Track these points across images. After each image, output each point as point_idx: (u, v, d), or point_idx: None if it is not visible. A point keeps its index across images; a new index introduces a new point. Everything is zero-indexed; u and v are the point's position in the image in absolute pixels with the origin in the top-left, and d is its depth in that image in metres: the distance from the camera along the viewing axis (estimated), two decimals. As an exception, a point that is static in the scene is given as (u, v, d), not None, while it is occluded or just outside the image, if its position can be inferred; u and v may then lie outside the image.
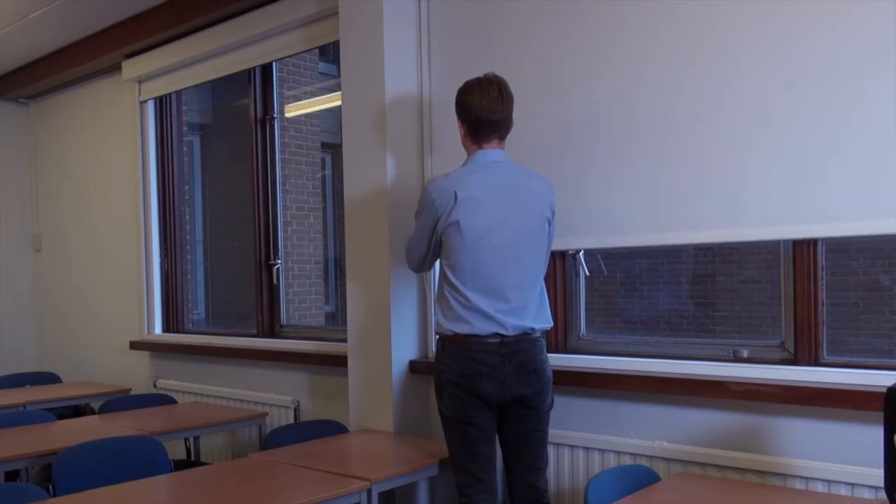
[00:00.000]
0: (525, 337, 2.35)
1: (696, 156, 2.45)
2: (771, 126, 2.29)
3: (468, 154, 2.48)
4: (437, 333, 2.45)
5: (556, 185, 2.54)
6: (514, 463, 2.41)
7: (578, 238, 2.73)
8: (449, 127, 3.07)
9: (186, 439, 3.74)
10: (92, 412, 4.11)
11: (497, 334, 2.32)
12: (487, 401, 2.33)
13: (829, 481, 2.17)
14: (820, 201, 2.21)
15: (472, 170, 2.41)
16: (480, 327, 2.32)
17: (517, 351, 2.34)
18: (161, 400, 3.93)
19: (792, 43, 2.25)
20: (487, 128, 2.41)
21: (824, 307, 2.27)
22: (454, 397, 2.35)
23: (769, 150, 2.29)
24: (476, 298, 2.34)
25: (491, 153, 2.44)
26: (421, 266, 2.61)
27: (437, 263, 2.61)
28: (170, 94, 4.70)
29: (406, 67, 3.12)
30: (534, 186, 2.44)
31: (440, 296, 2.44)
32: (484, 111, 2.39)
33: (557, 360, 2.74)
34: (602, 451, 2.63)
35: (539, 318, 2.40)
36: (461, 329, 2.34)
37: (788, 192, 2.26)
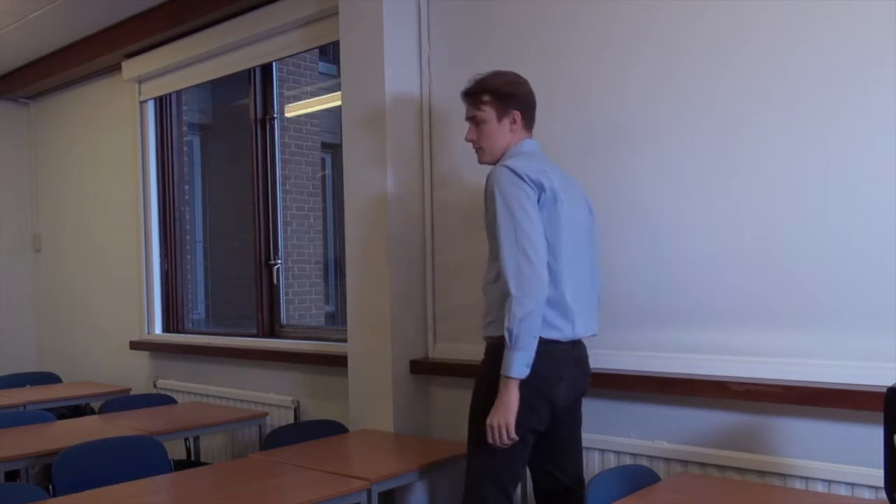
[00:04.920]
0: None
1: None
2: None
3: (507, 145, 2.31)
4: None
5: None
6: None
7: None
8: (449, 127, 3.08)
9: (186, 439, 3.73)
10: (92, 412, 4.11)
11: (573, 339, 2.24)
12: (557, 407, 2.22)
13: (829, 481, 2.17)
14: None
15: (536, 157, 2.27)
16: (569, 331, 2.20)
17: (584, 354, 2.33)
18: (161, 400, 3.92)
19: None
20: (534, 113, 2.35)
21: None
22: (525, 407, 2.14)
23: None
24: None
25: (535, 142, 2.35)
26: (545, 275, 2.10)
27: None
28: (170, 94, 4.70)
29: (406, 67, 3.12)
30: (577, 182, 2.38)
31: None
32: (533, 96, 2.34)
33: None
34: (602, 451, 2.63)
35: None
36: (550, 335, 2.16)
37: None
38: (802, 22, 2.26)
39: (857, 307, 2.17)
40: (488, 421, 2.11)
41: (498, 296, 2.14)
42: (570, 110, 2.75)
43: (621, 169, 2.63)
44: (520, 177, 2.13)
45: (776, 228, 2.31)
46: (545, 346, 2.12)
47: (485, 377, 2.22)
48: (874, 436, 2.09)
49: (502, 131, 2.30)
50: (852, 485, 2.13)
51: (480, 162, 2.36)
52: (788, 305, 2.29)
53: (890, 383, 1.64)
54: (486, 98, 2.29)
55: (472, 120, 2.33)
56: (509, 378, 2.07)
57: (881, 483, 1.69)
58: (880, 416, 1.63)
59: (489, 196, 2.17)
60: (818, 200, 2.24)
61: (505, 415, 2.08)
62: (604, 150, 2.67)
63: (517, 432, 2.10)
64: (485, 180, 2.22)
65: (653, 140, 2.55)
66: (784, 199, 2.30)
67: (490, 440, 2.11)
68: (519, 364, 2.06)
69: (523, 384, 2.10)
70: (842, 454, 2.17)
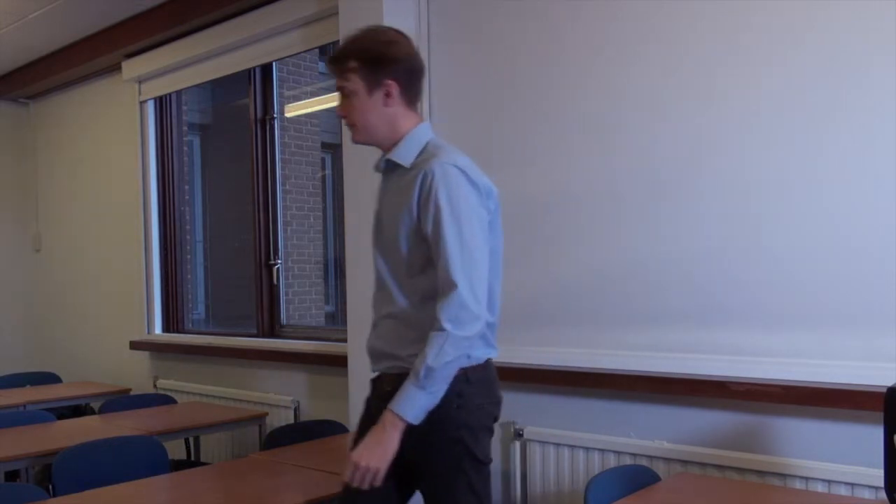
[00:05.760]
0: None
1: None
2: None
3: (394, 126, 1.90)
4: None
5: (556, 186, 2.54)
6: None
7: (578, 238, 2.73)
8: (449, 127, 3.08)
9: (186, 439, 3.73)
10: (92, 412, 4.11)
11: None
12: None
13: (829, 481, 2.17)
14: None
15: (454, 150, 1.90)
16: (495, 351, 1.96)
17: None
18: (161, 400, 3.92)
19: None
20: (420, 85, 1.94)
21: None
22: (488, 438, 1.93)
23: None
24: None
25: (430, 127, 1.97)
26: (484, 314, 1.80)
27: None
28: (170, 94, 4.70)
29: (406, 67, 3.12)
30: None
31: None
32: (417, 61, 1.94)
33: (551, 357, 2.75)
34: (602, 451, 2.63)
35: None
36: (490, 353, 1.94)
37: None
38: (800, 21, 2.25)
39: (857, 307, 2.17)
40: (357, 459, 1.78)
41: (424, 322, 1.79)
42: (570, 109, 2.75)
43: (622, 168, 2.63)
44: (474, 184, 1.81)
45: (776, 228, 2.31)
46: (486, 366, 1.91)
47: (443, 421, 1.81)
48: (874, 436, 2.09)
49: (376, 106, 1.88)
50: (852, 485, 2.13)
51: (354, 141, 1.96)
52: (788, 305, 2.29)
53: (890, 383, 1.64)
54: (352, 64, 1.87)
55: (340, 91, 1.92)
56: (401, 420, 1.74)
57: (881, 483, 1.69)
58: (880, 416, 1.63)
59: (428, 199, 1.78)
60: (818, 200, 2.24)
61: (383, 458, 1.76)
62: (603, 148, 2.67)
63: (483, 465, 1.87)
64: (423, 178, 1.80)
65: (654, 139, 2.55)
66: (784, 198, 2.30)
67: (349, 478, 1.80)
68: (423, 408, 1.76)
69: (476, 408, 1.85)
70: (842, 454, 2.17)
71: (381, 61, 1.87)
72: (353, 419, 3.16)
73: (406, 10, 3.12)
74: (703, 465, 2.40)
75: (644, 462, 2.51)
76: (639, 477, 2.27)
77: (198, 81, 4.42)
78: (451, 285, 1.74)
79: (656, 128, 2.54)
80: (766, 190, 2.33)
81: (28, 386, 4.61)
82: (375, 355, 1.95)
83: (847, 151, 2.19)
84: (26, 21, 4.48)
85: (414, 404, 1.75)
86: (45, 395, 4.14)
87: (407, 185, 1.84)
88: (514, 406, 2.88)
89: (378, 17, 3.05)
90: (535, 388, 2.83)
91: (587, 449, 2.65)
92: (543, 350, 2.80)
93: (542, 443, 2.76)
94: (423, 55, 3.13)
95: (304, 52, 3.96)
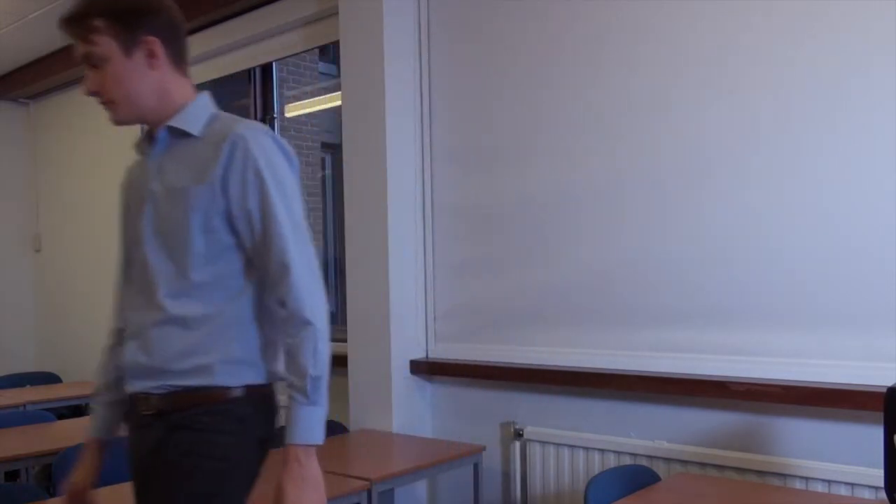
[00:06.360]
0: None
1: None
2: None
3: (166, 94, 1.56)
4: (246, 384, 1.53)
5: (556, 186, 2.53)
6: None
7: (578, 238, 2.73)
8: (449, 127, 3.08)
9: (186, 439, 3.73)
10: (92, 412, 4.10)
11: None
12: None
13: (829, 481, 2.17)
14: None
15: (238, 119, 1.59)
16: None
17: None
18: (161, 400, 3.92)
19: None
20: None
21: None
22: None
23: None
24: None
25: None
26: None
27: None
28: (170, 94, 4.69)
29: (406, 67, 3.12)
30: None
31: (249, 327, 1.55)
32: (177, 12, 1.59)
33: (551, 357, 2.75)
34: (602, 451, 2.63)
35: None
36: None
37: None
38: (800, 21, 2.25)
39: (857, 307, 2.17)
40: None
41: (225, 324, 1.51)
42: (570, 109, 2.75)
43: (622, 168, 2.63)
44: (290, 157, 1.56)
45: (776, 228, 2.31)
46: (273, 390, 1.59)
47: (205, 453, 1.48)
48: (874, 436, 2.09)
49: (138, 71, 1.52)
50: (852, 485, 2.13)
51: (117, 121, 1.58)
52: (788, 305, 2.29)
53: (890, 383, 1.64)
54: (97, 23, 1.49)
55: (87, 61, 1.52)
56: (312, 447, 1.46)
57: (881, 483, 1.69)
58: (880, 416, 1.63)
59: (245, 171, 1.48)
60: (818, 200, 2.24)
61: (317, 490, 1.46)
62: (603, 148, 2.67)
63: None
64: (232, 143, 1.49)
65: (654, 139, 2.55)
66: (784, 198, 2.30)
67: None
68: (323, 422, 1.48)
69: (250, 445, 1.53)
70: (842, 454, 2.17)
71: (135, 13, 1.51)
72: (354, 419, 3.17)
73: (406, 10, 3.12)
74: (702, 465, 2.40)
75: (644, 462, 2.51)
76: (639, 477, 2.27)
77: (198, 81, 4.40)
78: (291, 271, 1.46)
79: (656, 128, 2.54)
80: (765, 190, 2.33)
81: (28, 386, 4.61)
82: (137, 373, 1.55)
83: (847, 151, 2.19)
84: (26, 21, 4.47)
85: (314, 425, 1.45)
86: (45, 395, 4.14)
87: (202, 158, 1.50)
88: (514, 406, 2.89)
89: (378, 17, 3.05)
90: (535, 388, 2.83)
91: (587, 449, 2.65)
92: (544, 350, 2.80)
93: (542, 443, 2.76)
94: (424, 55, 3.14)
95: (304, 52, 3.96)
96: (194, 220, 1.50)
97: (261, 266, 1.51)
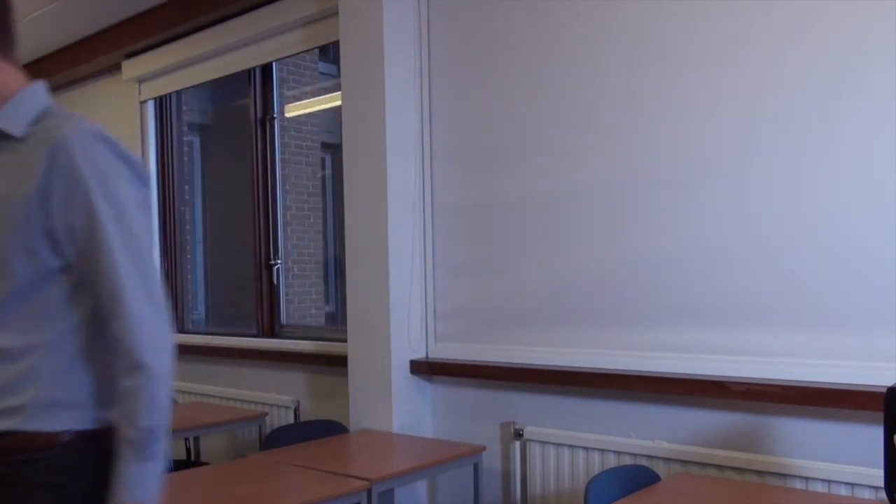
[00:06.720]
0: None
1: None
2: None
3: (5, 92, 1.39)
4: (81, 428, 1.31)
5: (556, 186, 2.52)
6: None
7: (578, 238, 2.74)
8: (449, 127, 3.08)
9: (186, 439, 3.73)
10: (92, 412, 4.09)
11: None
12: None
13: (829, 481, 2.17)
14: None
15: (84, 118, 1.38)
16: None
17: None
18: (161, 400, 3.91)
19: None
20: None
21: None
22: None
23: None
24: None
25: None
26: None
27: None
28: (170, 94, 4.70)
29: (406, 67, 3.12)
30: None
31: (77, 363, 1.31)
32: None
33: (551, 357, 2.75)
34: (602, 451, 2.63)
35: None
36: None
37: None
38: (800, 21, 2.26)
39: (857, 307, 2.17)
40: None
41: (44, 359, 1.29)
42: (570, 109, 2.75)
43: (621, 168, 2.63)
44: (127, 160, 1.32)
45: (776, 228, 2.31)
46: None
47: None
48: (874, 436, 2.09)
49: None
50: (852, 485, 2.13)
51: None
52: (788, 305, 2.29)
53: (890, 383, 1.64)
54: None
55: None
56: None
57: (881, 483, 1.69)
58: (880, 416, 1.63)
59: (70, 183, 1.26)
60: (818, 200, 2.24)
61: None
62: (603, 148, 2.67)
63: None
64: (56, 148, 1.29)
65: (654, 138, 2.55)
66: (784, 198, 2.30)
67: None
68: (157, 480, 1.28)
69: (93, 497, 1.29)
70: (842, 454, 2.17)
71: None
72: (354, 419, 3.17)
73: (406, 10, 3.13)
74: (702, 464, 2.41)
75: (644, 462, 2.51)
76: (639, 477, 2.27)
77: (198, 81, 4.42)
78: (125, 303, 1.26)
79: (656, 127, 2.54)
80: (765, 190, 2.33)
81: (28, 386, 4.59)
82: None
83: (847, 151, 2.19)
84: (26, 21, 4.48)
85: (146, 482, 1.26)
86: (45, 395, 4.13)
87: (20, 165, 1.29)
88: (514, 406, 2.89)
89: (378, 17, 3.05)
90: (535, 388, 2.83)
91: (587, 449, 2.65)
92: (543, 350, 2.80)
93: (542, 443, 2.76)
94: (424, 55, 3.15)
95: (305, 52, 3.96)
96: (13, 239, 1.27)
97: (93, 295, 1.29)
